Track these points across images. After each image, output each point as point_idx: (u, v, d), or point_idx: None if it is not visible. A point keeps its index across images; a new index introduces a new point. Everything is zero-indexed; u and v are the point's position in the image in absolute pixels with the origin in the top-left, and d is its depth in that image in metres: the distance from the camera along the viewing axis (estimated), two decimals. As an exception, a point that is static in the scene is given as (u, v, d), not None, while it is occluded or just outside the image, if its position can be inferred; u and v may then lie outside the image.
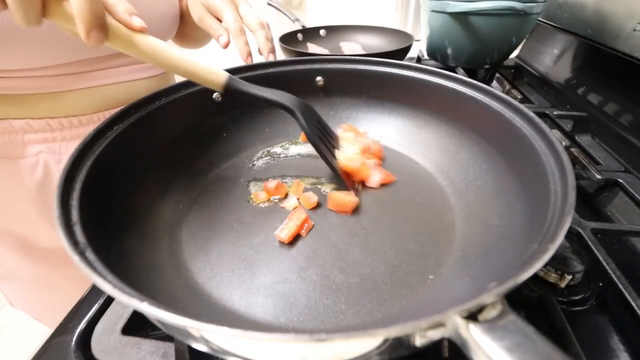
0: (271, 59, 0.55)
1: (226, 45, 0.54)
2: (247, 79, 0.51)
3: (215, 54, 0.69)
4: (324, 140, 0.46)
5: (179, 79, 0.45)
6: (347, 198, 0.42)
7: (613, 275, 0.33)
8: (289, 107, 0.43)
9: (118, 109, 0.39)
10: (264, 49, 0.55)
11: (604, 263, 0.34)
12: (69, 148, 0.51)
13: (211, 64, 0.39)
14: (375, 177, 0.46)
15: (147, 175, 0.41)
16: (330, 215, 0.42)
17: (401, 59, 0.79)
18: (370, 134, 0.55)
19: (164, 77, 0.63)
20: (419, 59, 0.94)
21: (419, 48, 0.96)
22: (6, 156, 0.50)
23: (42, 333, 0.56)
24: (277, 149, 0.54)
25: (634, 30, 0.55)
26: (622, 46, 0.58)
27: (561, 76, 0.76)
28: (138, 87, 0.56)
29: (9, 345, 1.20)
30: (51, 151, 0.51)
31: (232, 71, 0.50)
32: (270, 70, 0.53)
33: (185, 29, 0.66)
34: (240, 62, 0.55)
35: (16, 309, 0.69)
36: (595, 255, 0.35)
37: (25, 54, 0.43)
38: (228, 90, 0.40)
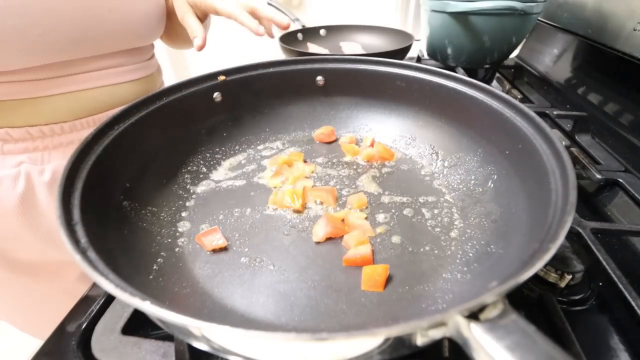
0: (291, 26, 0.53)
1: (200, 48, 0.53)
2: (248, 79, 0.52)
3: (217, 54, 0.68)
4: None
5: (170, 81, 0.44)
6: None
7: (613, 275, 0.33)
8: None
9: (117, 110, 0.39)
10: (282, 20, 0.54)
11: (604, 263, 0.34)
12: (52, 157, 0.49)
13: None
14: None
15: (148, 174, 0.41)
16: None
17: (401, 59, 0.79)
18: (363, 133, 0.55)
19: (149, 80, 0.60)
20: (419, 59, 0.94)
21: (419, 48, 0.96)
22: None
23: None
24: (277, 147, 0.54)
25: (634, 30, 0.55)
26: (622, 46, 0.58)
27: (561, 76, 0.76)
28: (120, 92, 0.54)
29: (10, 345, 1.20)
30: (32, 161, 0.48)
31: (233, 71, 0.51)
32: (271, 70, 0.53)
33: (176, 28, 0.64)
34: (240, 62, 0.55)
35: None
36: (595, 255, 0.35)
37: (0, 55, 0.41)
38: None
